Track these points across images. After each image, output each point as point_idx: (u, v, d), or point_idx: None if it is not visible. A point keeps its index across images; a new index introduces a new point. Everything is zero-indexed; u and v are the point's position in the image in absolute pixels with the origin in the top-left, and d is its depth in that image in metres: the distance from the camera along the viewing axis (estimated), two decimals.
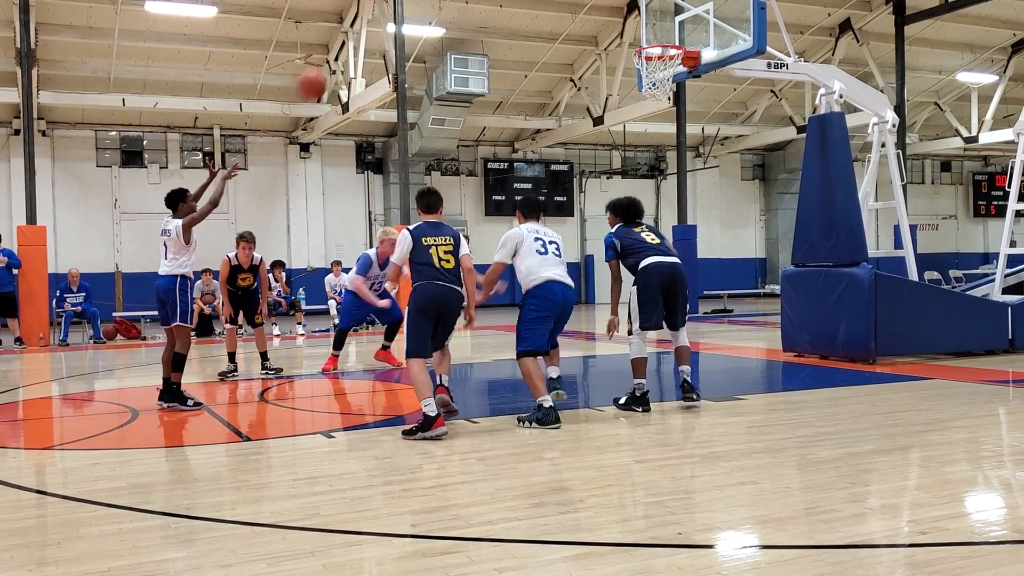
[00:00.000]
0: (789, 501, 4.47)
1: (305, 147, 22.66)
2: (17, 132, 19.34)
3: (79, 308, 15.47)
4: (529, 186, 24.71)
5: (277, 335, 15.90)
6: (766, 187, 28.56)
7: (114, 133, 21.20)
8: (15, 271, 14.87)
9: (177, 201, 8.10)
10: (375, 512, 4.33)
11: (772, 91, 24.73)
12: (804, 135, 11.15)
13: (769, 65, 10.27)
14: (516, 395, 8.20)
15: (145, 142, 21.53)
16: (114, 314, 17.31)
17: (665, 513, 4.24)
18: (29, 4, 15.84)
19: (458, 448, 5.87)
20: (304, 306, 17.08)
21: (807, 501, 4.46)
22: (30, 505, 4.68)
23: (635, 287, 7.28)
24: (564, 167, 25.35)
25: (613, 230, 7.47)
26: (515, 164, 24.88)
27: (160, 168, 21.56)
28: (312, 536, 3.94)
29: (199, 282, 16.51)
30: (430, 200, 6.80)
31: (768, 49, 9.81)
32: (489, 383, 9.76)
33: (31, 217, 15.58)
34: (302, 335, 16.11)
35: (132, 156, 21.45)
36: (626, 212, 7.50)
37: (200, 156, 21.57)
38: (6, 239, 15.78)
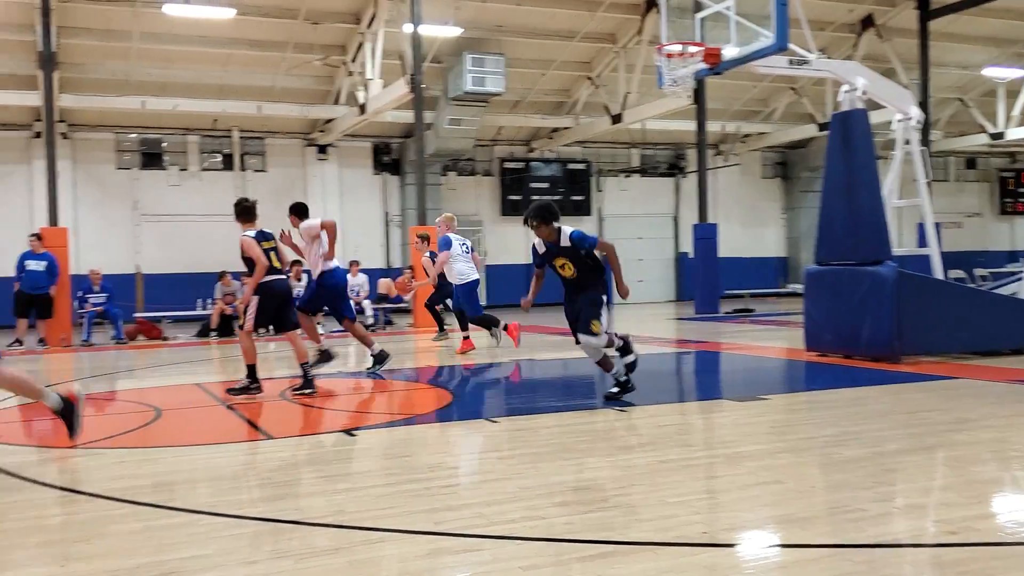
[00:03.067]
0: (814, 500, 4.42)
1: (322, 149, 22.74)
2: (38, 135, 19.48)
3: (101, 308, 15.57)
4: (546, 185, 24.69)
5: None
6: (787, 185, 28.40)
7: (134, 135, 21.35)
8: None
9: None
10: (398, 509, 4.32)
11: (793, 88, 24.59)
12: (826, 133, 11.06)
13: (791, 62, 10.20)
14: (535, 394, 8.18)
15: (165, 144, 21.68)
16: (135, 315, 17.42)
17: (690, 512, 4.20)
18: (50, 8, 15.96)
19: (478, 447, 5.85)
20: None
21: (832, 500, 4.41)
22: (57, 503, 4.70)
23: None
24: (582, 166, 25.31)
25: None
26: (532, 163, 24.86)
27: (180, 170, 21.69)
28: (336, 533, 3.93)
29: (219, 284, 16.61)
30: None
31: (790, 46, 9.74)
32: (506, 382, 9.75)
33: (53, 219, 15.71)
34: (320, 335, 16.11)
35: (152, 158, 21.60)
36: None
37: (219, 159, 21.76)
38: (27, 242, 15.83)
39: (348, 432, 6.46)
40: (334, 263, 9.35)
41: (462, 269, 12.06)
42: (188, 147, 21.85)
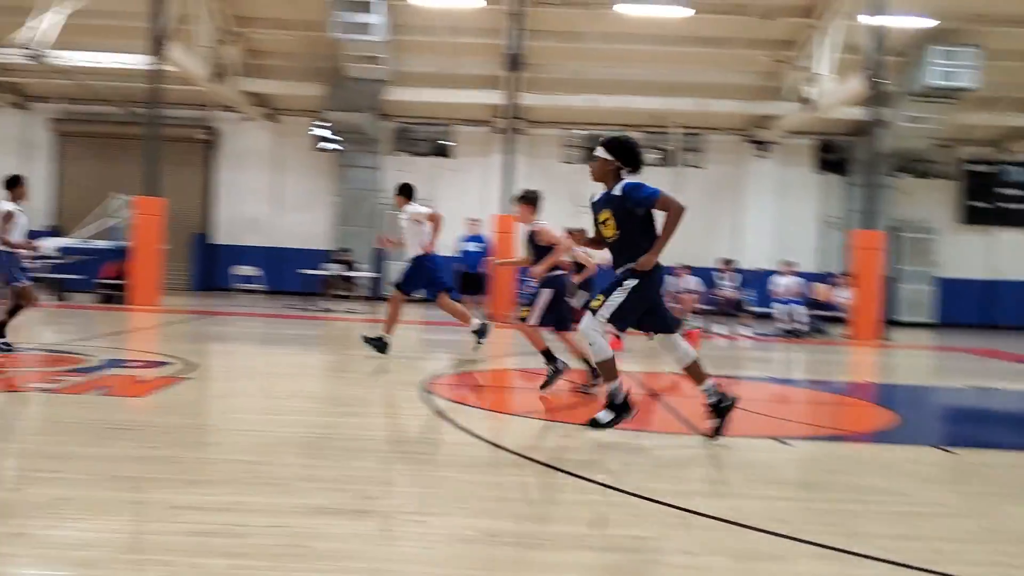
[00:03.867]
0: None
1: (762, 145, 22.28)
2: (498, 130, 21.52)
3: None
4: (1020, 192, 21.84)
5: (721, 335, 15.83)
6: None
7: (580, 132, 22.67)
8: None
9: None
10: (841, 528, 3.99)
11: None
12: None
13: None
14: (996, 427, 7.19)
15: None
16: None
17: None
18: (520, 13, 17.49)
19: (929, 476, 5.25)
20: (751, 307, 16.79)
21: None
22: (506, 463, 5.04)
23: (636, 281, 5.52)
24: None
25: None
26: (1003, 167, 22.07)
27: None
28: (775, 541, 3.73)
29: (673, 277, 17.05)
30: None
31: None
32: (959, 409, 8.71)
33: (506, 208, 17.26)
34: (747, 336, 15.83)
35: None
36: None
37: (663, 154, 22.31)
38: (466, 225, 17.57)
39: (781, 440, 6.18)
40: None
41: None
42: None
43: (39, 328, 12.50)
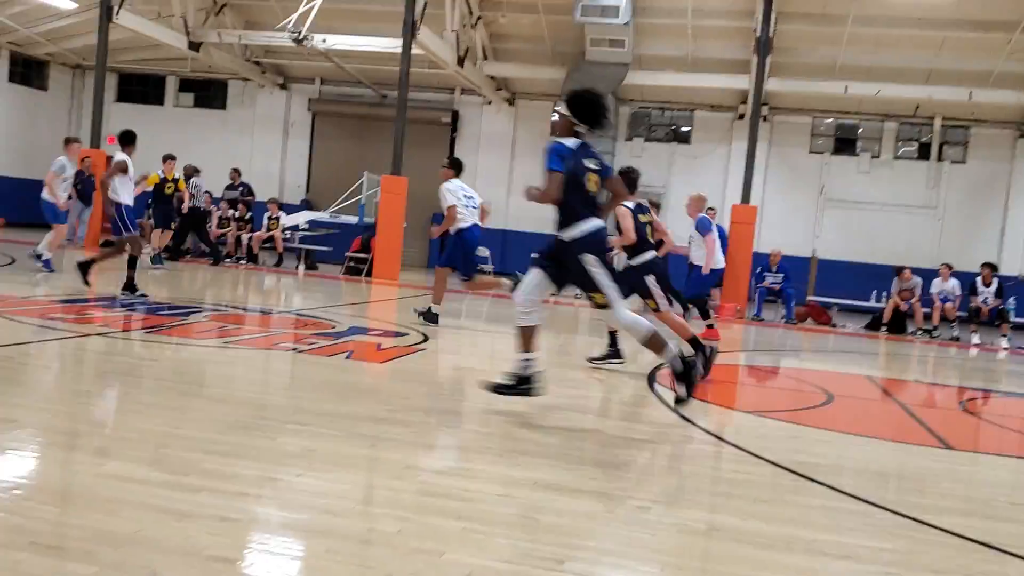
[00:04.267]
0: None
1: None
2: (741, 117, 20.84)
3: (776, 287, 16.11)
4: None
5: (978, 345, 14.51)
6: None
7: (830, 120, 21.51)
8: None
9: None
10: None
11: None
12: None
13: None
14: None
15: (860, 130, 21.44)
16: (807, 298, 17.71)
17: None
18: None
19: None
20: (1013, 317, 15.27)
21: None
22: (732, 459, 4.88)
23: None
24: None
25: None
26: None
27: (872, 157, 21.27)
28: None
29: (896, 278, 15.92)
30: None
31: None
32: None
33: (746, 197, 16.66)
34: (1005, 349, 14.41)
35: (845, 144, 21.57)
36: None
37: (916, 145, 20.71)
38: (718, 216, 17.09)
39: None
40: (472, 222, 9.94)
41: (720, 257, 11.33)
42: (884, 134, 21.28)
43: (292, 294, 13.56)
